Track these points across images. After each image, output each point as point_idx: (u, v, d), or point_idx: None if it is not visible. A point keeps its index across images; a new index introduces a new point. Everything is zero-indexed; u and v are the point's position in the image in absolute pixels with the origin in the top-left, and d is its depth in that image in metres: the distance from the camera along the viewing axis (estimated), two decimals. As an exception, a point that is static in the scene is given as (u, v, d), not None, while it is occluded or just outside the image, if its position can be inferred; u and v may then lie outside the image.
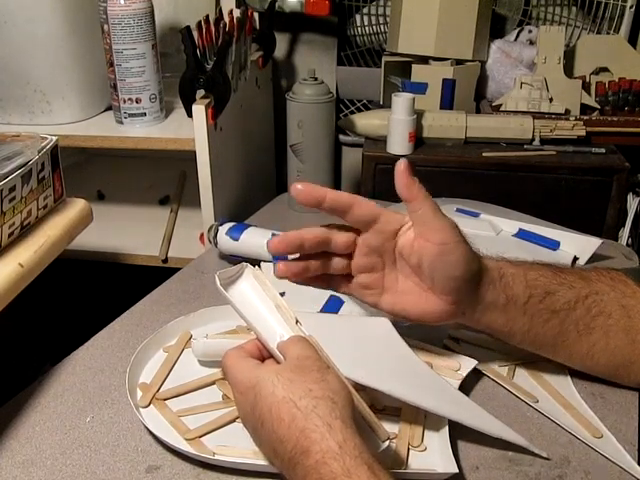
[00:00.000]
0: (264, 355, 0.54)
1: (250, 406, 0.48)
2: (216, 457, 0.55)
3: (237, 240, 0.84)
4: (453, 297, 0.56)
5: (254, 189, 1.20)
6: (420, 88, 1.15)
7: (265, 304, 0.56)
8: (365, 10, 1.32)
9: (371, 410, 0.60)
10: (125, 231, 1.19)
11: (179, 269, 0.87)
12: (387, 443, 0.51)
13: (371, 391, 0.62)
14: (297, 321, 0.56)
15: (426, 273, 0.56)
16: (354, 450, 0.43)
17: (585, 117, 1.12)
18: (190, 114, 0.92)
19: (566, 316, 0.59)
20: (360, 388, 0.62)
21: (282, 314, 0.56)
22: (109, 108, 1.06)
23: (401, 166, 0.57)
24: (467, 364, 0.64)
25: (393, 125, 1.08)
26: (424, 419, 0.59)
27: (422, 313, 0.58)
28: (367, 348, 0.60)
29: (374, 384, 0.57)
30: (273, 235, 0.83)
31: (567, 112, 1.14)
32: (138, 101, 0.99)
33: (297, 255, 0.57)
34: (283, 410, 0.46)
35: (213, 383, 0.64)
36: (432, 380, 0.58)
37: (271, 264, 0.82)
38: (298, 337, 0.53)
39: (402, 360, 0.59)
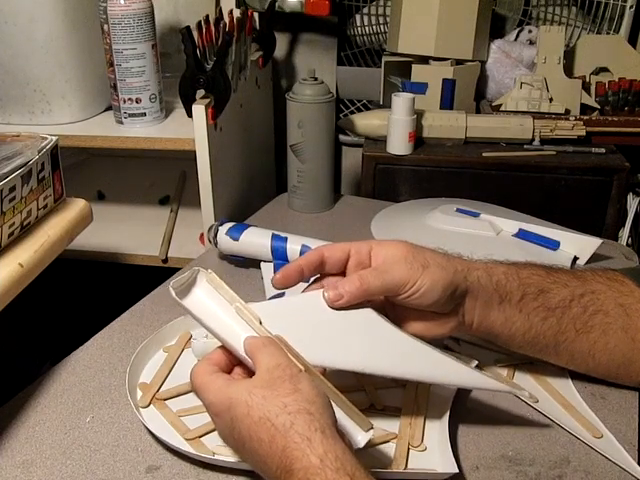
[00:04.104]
0: (233, 362, 0.53)
1: (228, 429, 0.48)
2: (216, 457, 0.55)
3: (237, 240, 0.84)
4: (448, 311, 0.58)
5: (254, 189, 1.20)
6: (420, 88, 1.15)
7: (224, 308, 0.54)
8: (365, 10, 1.32)
9: (370, 410, 0.60)
10: (125, 231, 1.19)
11: (179, 269, 0.87)
12: (371, 432, 0.51)
13: (371, 391, 0.62)
14: (260, 321, 0.53)
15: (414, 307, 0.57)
16: (335, 462, 0.43)
17: (585, 117, 1.12)
18: (190, 114, 0.92)
19: (562, 314, 0.59)
20: (355, 389, 0.63)
21: (243, 316, 0.54)
22: (109, 108, 1.06)
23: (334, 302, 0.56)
24: (467, 364, 0.64)
25: (393, 125, 1.08)
26: (424, 419, 0.59)
27: (428, 334, 0.58)
28: (335, 325, 0.56)
29: (350, 366, 0.55)
30: (273, 235, 0.83)
31: (567, 112, 1.14)
32: (138, 101, 0.99)
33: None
34: (261, 431, 0.45)
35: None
36: (407, 345, 0.56)
37: (271, 264, 0.82)
38: (264, 340, 0.51)
39: (370, 328, 0.56)
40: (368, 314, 0.56)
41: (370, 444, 0.56)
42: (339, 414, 0.50)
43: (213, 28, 1.01)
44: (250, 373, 0.52)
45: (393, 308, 0.59)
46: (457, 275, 0.56)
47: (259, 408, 0.46)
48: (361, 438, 0.50)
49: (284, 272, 0.57)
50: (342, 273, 0.58)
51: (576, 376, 0.65)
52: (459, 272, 0.57)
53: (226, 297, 0.55)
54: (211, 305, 0.54)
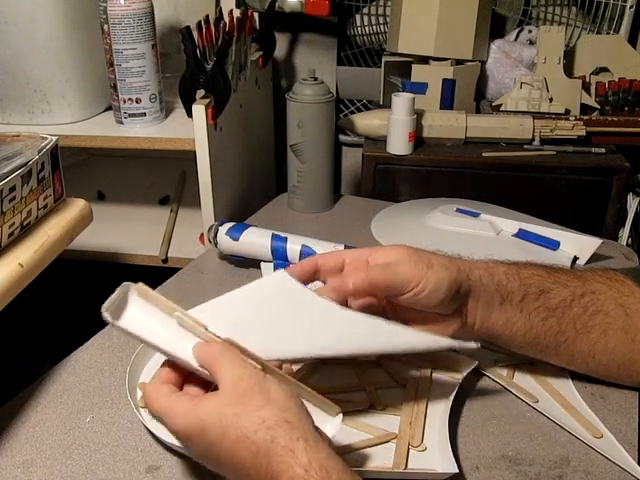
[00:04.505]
0: (183, 375, 0.51)
1: (204, 451, 0.46)
2: (216, 457, 0.54)
3: (237, 240, 0.84)
4: (451, 312, 0.58)
5: (254, 189, 1.20)
6: (420, 88, 1.15)
7: (164, 321, 0.51)
8: (365, 10, 1.32)
9: (370, 410, 0.60)
10: (125, 231, 1.19)
11: (179, 269, 0.87)
12: (340, 417, 0.50)
13: (371, 391, 0.62)
14: (205, 327, 0.51)
15: (418, 310, 0.57)
16: (320, 471, 0.42)
17: (585, 117, 1.12)
18: (190, 114, 0.92)
19: (563, 314, 0.59)
20: (355, 389, 0.63)
21: (187, 325, 0.51)
22: (109, 108, 1.06)
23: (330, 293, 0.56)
24: (467, 364, 0.64)
25: (393, 125, 1.08)
26: (424, 419, 0.59)
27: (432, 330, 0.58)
28: (280, 314, 0.54)
29: (303, 353, 0.54)
30: (273, 235, 0.83)
31: (567, 112, 1.14)
32: (138, 101, 0.99)
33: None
34: (242, 449, 0.44)
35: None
36: (352, 320, 0.54)
37: (271, 264, 0.82)
38: (219, 348, 0.49)
39: (315, 311, 0.54)
40: (312, 298, 0.55)
41: (370, 444, 0.56)
42: (306, 403, 0.49)
43: (213, 28, 1.01)
44: (203, 384, 0.50)
45: (395, 312, 0.59)
46: (460, 274, 0.57)
47: (235, 427, 0.44)
48: (330, 427, 0.49)
49: None
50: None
51: (576, 376, 0.64)
52: (462, 271, 0.57)
53: (164, 309, 0.52)
54: (150, 320, 0.51)
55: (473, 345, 0.56)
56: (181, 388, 0.51)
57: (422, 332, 0.56)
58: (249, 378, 0.46)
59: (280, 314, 0.54)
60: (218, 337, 0.51)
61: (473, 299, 0.58)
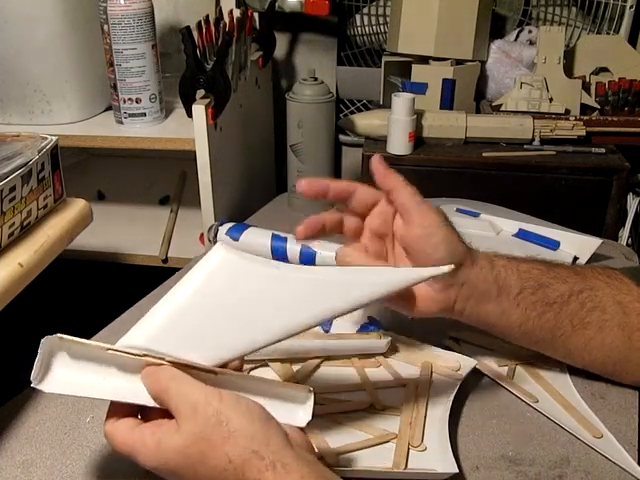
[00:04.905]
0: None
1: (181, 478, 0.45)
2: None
3: (237, 240, 0.84)
4: (440, 283, 0.57)
5: (254, 189, 1.20)
6: (420, 88, 1.15)
7: (100, 368, 0.46)
8: (365, 10, 1.32)
9: (370, 410, 0.60)
10: (125, 231, 1.19)
11: (179, 269, 0.87)
12: (312, 397, 0.48)
13: (371, 391, 0.62)
14: (145, 354, 0.46)
15: (412, 258, 0.57)
16: None
17: (585, 117, 1.12)
18: (190, 114, 0.92)
19: (560, 309, 0.59)
20: (355, 389, 0.63)
21: (124, 361, 0.46)
22: (109, 108, 1.06)
23: (376, 160, 0.60)
24: (467, 364, 0.64)
25: (393, 125, 1.08)
26: (424, 419, 0.59)
27: (413, 300, 0.57)
28: (233, 303, 0.48)
29: (268, 339, 0.48)
30: (273, 235, 0.83)
31: (567, 112, 1.14)
32: (138, 101, 0.99)
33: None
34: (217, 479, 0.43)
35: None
36: (313, 279, 0.50)
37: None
38: (166, 377, 0.45)
39: (267, 286, 0.49)
40: (261, 269, 0.49)
41: (370, 444, 0.56)
42: (272, 401, 0.48)
43: (213, 28, 1.01)
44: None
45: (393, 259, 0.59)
46: (468, 255, 0.57)
47: (203, 465, 0.43)
48: (303, 413, 0.48)
49: (312, 181, 0.59)
50: (363, 218, 0.61)
51: (576, 376, 0.65)
52: (470, 252, 0.58)
53: (96, 353, 0.46)
54: (83, 373, 0.46)
55: (445, 269, 0.53)
56: (138, 413, 0.48)
57: (393, 268, 0.55)
58: (205, 408, 0.44)
59: (232, 301, 0.48)
60: (161, 358, 0.46)
61: (468, 287, 0.57)
